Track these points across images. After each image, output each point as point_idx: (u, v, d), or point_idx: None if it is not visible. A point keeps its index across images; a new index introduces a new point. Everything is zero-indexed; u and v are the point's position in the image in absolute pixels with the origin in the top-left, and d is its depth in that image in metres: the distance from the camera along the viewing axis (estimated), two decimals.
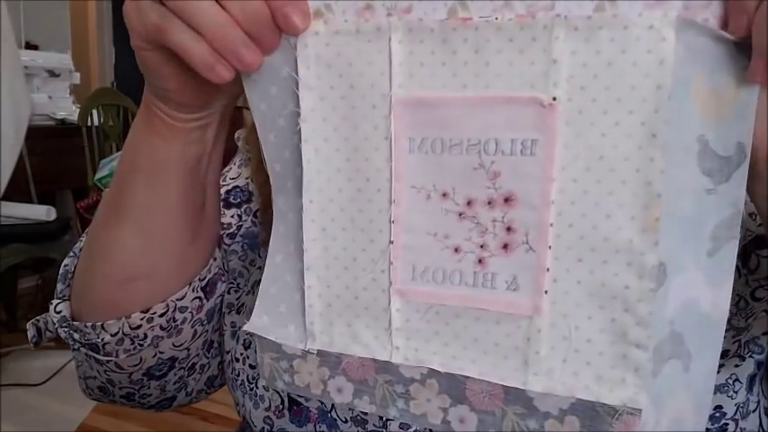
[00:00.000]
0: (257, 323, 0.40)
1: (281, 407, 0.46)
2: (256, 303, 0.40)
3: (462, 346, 0.35)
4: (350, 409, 0.44)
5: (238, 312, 0.51)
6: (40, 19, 3.29)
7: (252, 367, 0.48)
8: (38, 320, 0.49)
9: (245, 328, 0.40)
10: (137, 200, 0.42)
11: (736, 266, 0.41)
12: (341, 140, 0.35)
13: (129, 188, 0.42)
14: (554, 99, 0.30)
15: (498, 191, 0.32)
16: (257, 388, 0.48)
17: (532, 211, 0.32)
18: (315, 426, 0.45)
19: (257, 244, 0.53)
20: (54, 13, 3.41)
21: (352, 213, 0.35)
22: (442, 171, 0.33)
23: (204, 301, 0.47)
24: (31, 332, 0.49)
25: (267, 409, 0.47)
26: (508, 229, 0.32)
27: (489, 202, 0.32)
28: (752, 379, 0.41)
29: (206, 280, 0.47)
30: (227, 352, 0.51)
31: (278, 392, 0.47)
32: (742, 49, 0.30)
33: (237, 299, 0.52)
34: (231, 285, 0.52)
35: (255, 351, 0.41)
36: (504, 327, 0.33)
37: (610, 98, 0.29)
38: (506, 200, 0.32)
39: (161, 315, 0.45)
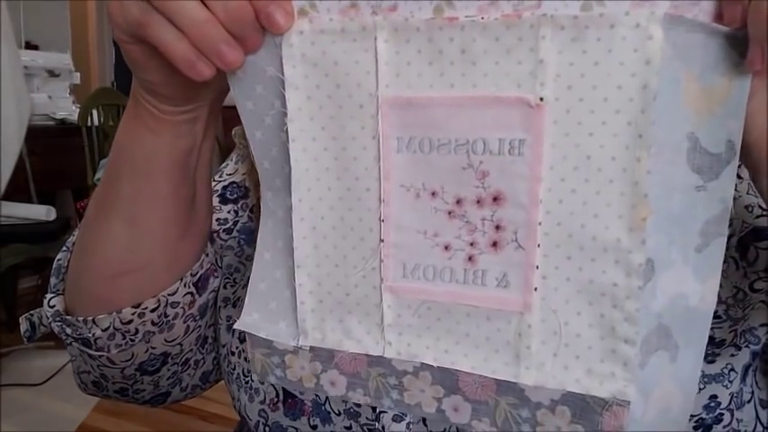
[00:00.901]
0: (248, 320, 0.40)
1: (275, 399, 0.46)
2: (246, 300, 0.40)
3: (454, 341, 0.35)
4: (343, 401, 0.44)
5: (234, 306, 0.51)
6: (40, 19, 3.29)
7: (248, 360, 0.48)
8: (31, 315, 0.49)
9: (235, 326, 0.40)
10: (125, 193, 0.42)
11: (735, 259, 0.42)
12: (329, 139, 0.35)
13: (118, 182, 0.42)
14: (541, 99, 0.30)
15: (487, 190, 0.32)
16: (252, 381, 0.48)
17: (521, 210, 0.32)
18: (308, 419, 0.45)
19: (253, 239, 0.53)
20: (54, 13, 3.42)
21: (341, 212, 0.36)
22: (431, 170, 0.33)
23: (196, 296, 0.47)
24: (23, 326, 0.49)
25: (262, 402, 0.47)
26: (497, 227, 0.33)
27: (478, 201, 0.33)
28: (746, 369, 0.41)
29: (198, 275, 0.47)
30: (223, 346, 0.51)
31: (273, 385, 0.46)
32: (733, 44, 0.30)
33: (233, 293, 0.51)
34: (227, 280, 0.52)
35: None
36: (494, 322, 0.34)
37: (597, 98, 0.29)
38: (495, 199, 0.32)
39: (152, 310, 0.45)
